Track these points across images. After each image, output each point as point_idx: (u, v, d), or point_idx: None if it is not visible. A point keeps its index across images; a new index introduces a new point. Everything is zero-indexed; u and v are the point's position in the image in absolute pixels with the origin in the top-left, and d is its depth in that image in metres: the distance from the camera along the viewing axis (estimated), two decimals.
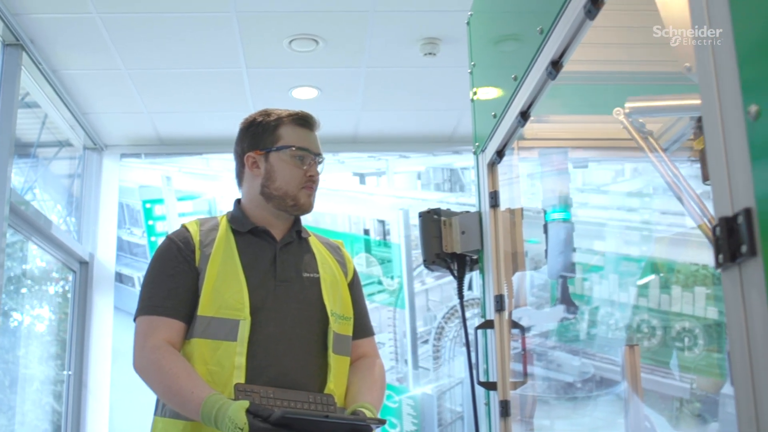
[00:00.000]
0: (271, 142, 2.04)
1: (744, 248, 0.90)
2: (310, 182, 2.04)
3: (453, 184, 5.54)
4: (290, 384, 1.87)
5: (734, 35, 0.93)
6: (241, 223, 2.04)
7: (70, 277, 5.18)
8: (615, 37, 2.09)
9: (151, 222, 5.41)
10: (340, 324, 2.01)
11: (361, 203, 5.51)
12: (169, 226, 5.39)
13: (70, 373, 5.06)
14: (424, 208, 2.46)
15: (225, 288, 1.91)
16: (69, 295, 5.18)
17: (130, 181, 5.45)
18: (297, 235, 2.08)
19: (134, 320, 1.96)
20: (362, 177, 5.57)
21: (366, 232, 5.47)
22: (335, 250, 2.17)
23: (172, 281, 1.93)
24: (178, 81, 4.63)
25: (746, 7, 0.93)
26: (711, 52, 0.98)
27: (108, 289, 5.27)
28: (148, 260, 5.09)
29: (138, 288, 5.25)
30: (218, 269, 1.94)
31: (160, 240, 2.09)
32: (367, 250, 5.43)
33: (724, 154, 0.94)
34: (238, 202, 2.13)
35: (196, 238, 1.98)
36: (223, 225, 2.04)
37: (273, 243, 2.03)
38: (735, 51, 0.93)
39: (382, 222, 5.48)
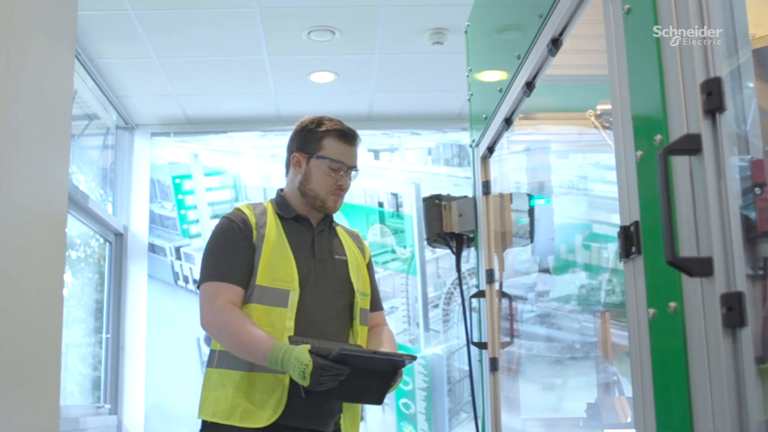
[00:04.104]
0: (314, 150, 2.39)
1: (633, 249, 1.29)
2: (339, 190, 2.39)
3: (462, 159, 5.86)
4: None
5: (630, 99, 1.31)
6: (286, 210, 2.40)
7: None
8: (590, 44, 2.44)
9: (180, 196, 5.81)
10: (362, 299, 2.41)
11: (375, 178, 5.85)
12: (197, 199, 5.79)
13: (108, 336, 5.51)
14: (428, 194, 2.84)
15: (278, 263, 2.28)
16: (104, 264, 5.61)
17: (160, 158, 5.85)
18: (328, 224, 2.46)
19: (198, 287, 2.33)
20: (376, 153, 5.91)
21: (380, 204, 5.82)
22: (356, 238, 2.56)
23: (234, 254, 2.28)
24: (205, 67, 5.01)
25: (638, 77, 1.30)
26: (620, 111, 1.35)
27: (142, 258, 5.70)
28: (179, 232, 5.61)
29: (170, 257, 5.68)
30: (272, 247, 2.30)
31: (190, 213, 2.43)
32: (382, 221, 5.80)
33: (626, 183, 1.33)
34: (280, 191, 2.49)
35: (252, 220, 2.34)
36: (270, 210, 2.40)
37: (311, 228, 2.40)
38: (630, 111, 1.31)
39: (395, 195, 5.84)
